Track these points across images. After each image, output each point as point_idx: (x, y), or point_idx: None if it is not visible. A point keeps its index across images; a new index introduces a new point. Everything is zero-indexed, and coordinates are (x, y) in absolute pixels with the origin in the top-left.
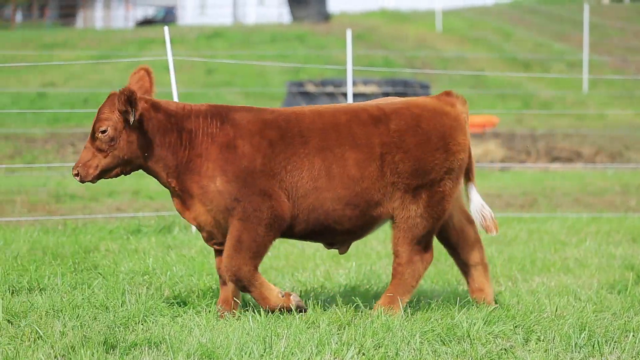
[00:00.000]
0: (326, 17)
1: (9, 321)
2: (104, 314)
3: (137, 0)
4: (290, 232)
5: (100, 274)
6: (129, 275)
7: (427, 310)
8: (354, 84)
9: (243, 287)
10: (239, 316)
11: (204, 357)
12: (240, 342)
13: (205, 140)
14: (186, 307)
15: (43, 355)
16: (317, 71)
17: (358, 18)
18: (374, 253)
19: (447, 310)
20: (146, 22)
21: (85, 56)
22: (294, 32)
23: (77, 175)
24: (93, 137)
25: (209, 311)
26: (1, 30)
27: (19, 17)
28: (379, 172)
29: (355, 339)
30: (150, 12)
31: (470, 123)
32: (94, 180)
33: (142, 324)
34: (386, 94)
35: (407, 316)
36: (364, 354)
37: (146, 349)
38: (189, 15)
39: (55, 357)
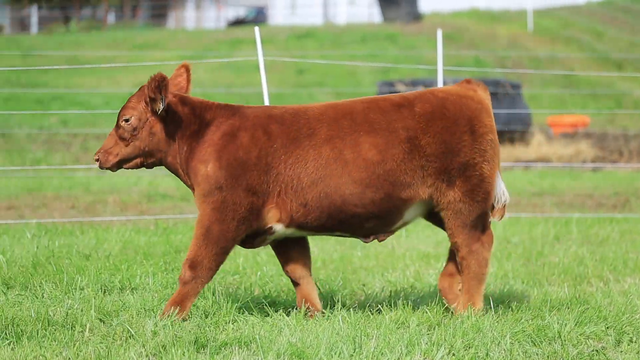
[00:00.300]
0: (417, 17)
1: (101, 320)
2: (195, 313)
3: (228, 1)
4: (304, 222)
5: None
6: (220, 275)
7: (517, 311)
8: (445, 84)
9: (186, 279)
10: (329, 316)
11: (293, 356)
12: (330, 342)
13: (213, 129)
14: (276, 306)
15: (134, 354)
16: (408, 71)
17: (449, 18)
18: None
19: (537, 310)
20: (237, 23)
21: (176, 56)
22: (385, 32)
23: (97, 160)
24: (117, 125)
25: (299, 311)
26: (94, 31)
27: (111, 18)
28: (406, 155)
29: (445, 340)
30: (241, 12)
31: (562, 123)
32: (113, 168)
33: (232, 324)
34: None
35: (498, 317)
36: (454, 355)
37: (236, 348)
38: (279, 15)
39: (146, 356)
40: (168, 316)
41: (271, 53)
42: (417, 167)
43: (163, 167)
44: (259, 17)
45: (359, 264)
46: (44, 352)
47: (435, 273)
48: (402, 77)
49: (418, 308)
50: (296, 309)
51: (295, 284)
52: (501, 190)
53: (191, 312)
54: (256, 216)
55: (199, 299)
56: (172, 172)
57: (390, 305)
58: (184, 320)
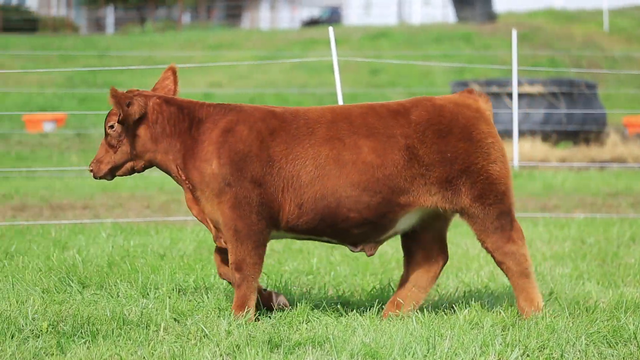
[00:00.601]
0: (492, 17)
1: (175, 319)
2: (269, 313)
3: (302, 1)
4: (295, 224)
5: (265, 274)
6: (294, 275)
7: (592, 312)
8: (519, 84)
9: (237, 282)
10: (402, 316)
11: (367, 357)
12: (403, 343)
13: (210, 127)
14: (349, 306)
15: (209, 353)
16: (482, 71)
17: (524, 18)
18: (539, 254)
19: (613, 312)
20: (311, 23)
21: (250, 57)
22: (459, 32)
23: (91, 171)
24: (105, 134)
25: (373, 311)
26: (169, 32)
27: (186, 18)
28: (406, 162)
29: (519, 340)
30: (315, 12)
31: (638, 123)
32: (107, 176)
33: (306, 324)
34: (552, 94)
35: (572, 317)
36: (528, 356)
37: (310, 348)
38: (353, 15)
39: (220, 355)
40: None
41: (345, 53)
42: (417, 174)
43: None
44: (333, 17)
45: None
46: (119, 351)
47: None
48: (476, 77)
49: (492, 309)
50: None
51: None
52: None
53: (264, 312)
54: (269, 210)
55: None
56: (163, 170)
57: (464, 305)
58: (257, 320)
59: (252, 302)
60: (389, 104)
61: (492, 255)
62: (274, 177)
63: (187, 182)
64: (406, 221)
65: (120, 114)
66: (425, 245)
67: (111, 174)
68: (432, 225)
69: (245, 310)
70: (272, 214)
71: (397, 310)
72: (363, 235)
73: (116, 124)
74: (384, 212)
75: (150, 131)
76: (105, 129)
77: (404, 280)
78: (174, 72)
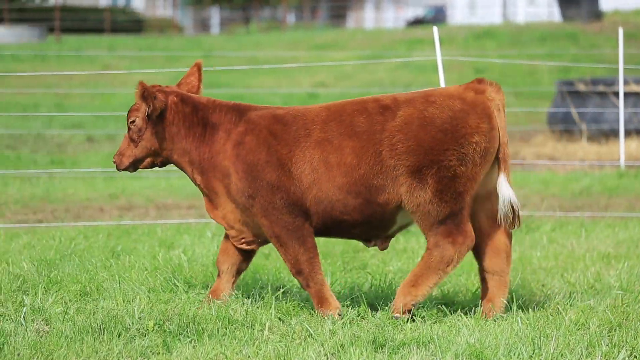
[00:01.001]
0: (598, 15)
1: (280, 319)
2: (373, 313)
3: (407, 1)
4: (312, 227)
5: (369, 273)
6: (398, 275)
7: None
8: (626, 82)
9: (304, 283)
10: (507, 316)
11: (472, 357)
12: (508, 343)
13: (224, 137)
14: (454, 306)
15: (313, 353)
16: (588, 70)
17: (631, 16)
18: None
19: None
20: (416, 22)
21: (355, 56)
22: (565, 31)
23: (115, 163)
24: (128, 128)
25: (477, 311)
26: (273, 32)
27: (290, 18)
28: (377, 156)
29: (626, 342)
30: (420, 12)
31: None
32: (129, 169)
33: (410, 324)
34: None
35: None
36: (635, 357)
37: (414, 348)
38: (458, 15)
39: (325, 355)
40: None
41: (450, 53)
42: (389, 168)
43: None
44: (437, 16)
45: (538, 265)
46: (225, 350)
47: (616, 274)
48: (582, 76)
49: (598, 309)
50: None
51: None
52: (508, 197)
53: (367, 311)
54: (295, 205)
55: (376, 298)
56: (180, 169)
57: (570, 306)
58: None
59: (330, 298)
60: (384, 99)
61: (427, 243)
62: (286, 178)
63: (205, 188)
64: (407, 214)
65: (150, 107)
66: (483, 229)
67: (133, 167)
68: (480, 208)
69: (329, 306)
70: (302, 209)
71: (491, 304)
72: (366, 233)
73: (137, 119)
74: (370, 213)
75: (168, 130)
76: (127, 123)
77: (481, 272)
78: (199, 68)
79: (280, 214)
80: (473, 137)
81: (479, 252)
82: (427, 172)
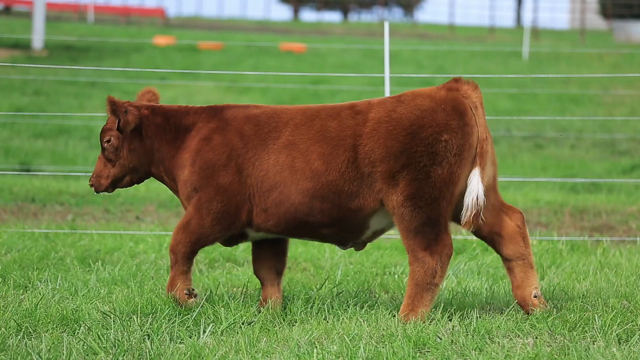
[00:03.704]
0: None
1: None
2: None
3: None
4: (266, 227)
5: None
6: None
7: None
8: None
9: (171, 263)
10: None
11: None
12: None
13: (194, 135)
14: None
15: None
16: None
17: None
18: None
19: None
20: None
21: None
22: None
23: (92, 186)
24: (102, 148)
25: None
26: None
27: None
28: (350, 164)
29: None
30: None
31: None
32: (109, 189)
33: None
34: None
35: None
36: None
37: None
38: None
39: None
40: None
41: None
42: (364, 175)
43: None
44: None
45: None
46: None
47: None
48: None
49: None
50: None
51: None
52: (474, 193)
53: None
54: (232, 218)
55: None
56: (159, 181)
57: None
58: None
59: (183, 286)
60: (359, 104)
61: (408, 255)
62: (242, 184)
63: (174, 189)
64: (380, 221)
65: (119, 122)
66: (491, 220)
67: (112, 187)
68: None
69: (175, 290)
70: (238, 220)
71: (521, 292)
72: (337, 235)
73: (112, 138)
74: (339, 217)
75: (144, 144)
76: (101, 143)
77: (505, 263)
78: (154, 93)
79: (207, 214)
80: (442, 135)
81: (494, 244)
82: (399, 176)
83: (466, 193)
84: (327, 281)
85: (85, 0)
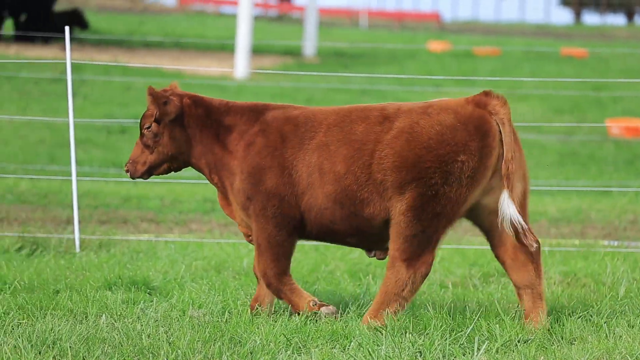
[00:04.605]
0: None
1: None
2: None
3: None
4: (307, 233)
5: None
6: None
7: None
8: None
9: (275, 294)
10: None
11: None
12: None
13: (237, 138)
14: None
15: None
16: None
17: None
18: None
19: None
20: None
21: None
22: None
23: (127, 171)
24: (141, 134)
25: None
26: None
27: None
28: (365, 169)
29: None
30: None
31: None
32: (144, 176)
33: None
34: None
35: None
36: None
37: None
38: None
39: None
40: None
41: None
42: (376, 182)
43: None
44: None
45: None
46: None
47: None
48: None
49: None
50: None
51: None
52: (508, 216)
53: None
54: (291, 220)
55: None
56: (198, 171)
57: None
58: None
59: (300, 296)
60: (389, 108)
61: (387, 265)
62: (287, 185)
63: (220, 186)
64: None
65: (156, 113)
66: (506, 243)
67: (148, 173)
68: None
69: (302, 306)
70: (293, 219)
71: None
72: (362, 243)
73: (153, 124)
74: (356, 225)
75: (185, 133)
76: (140, 129)
77: (516, 289)
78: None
79: (267, 222)
80: (459, 156)
81: (506, 267)
82: (408, 187)
83: (499, 219)
84: (608, 297)
85: (359, 6)
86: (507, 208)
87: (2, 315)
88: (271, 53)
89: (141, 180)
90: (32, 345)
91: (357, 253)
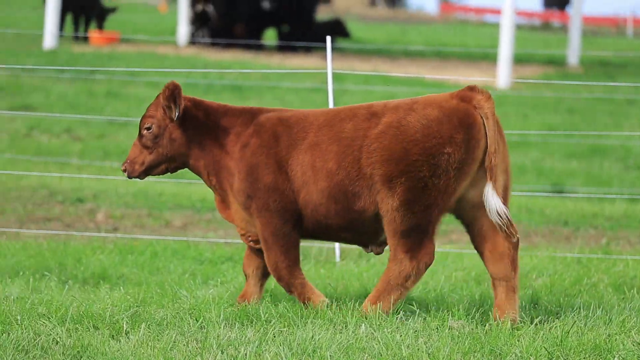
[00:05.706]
0: None
1: None
2: None
3: None
4: (304, 229)
5: None
6: None
7: None
8: None
9: (286, 288)
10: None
11: None
12: None
13: (234, 139)
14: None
15: None
16: None
17: None
18: None
19: None
20: None
21: None
22: None
23: (124, 171)
24: (140, 134)
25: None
26: None
27: None
28: (354, 163)
29: None
30: None
31: None
32: (141, 176)
33: None
34: None
35: None
36: None
37: None
38: None
39: None
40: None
41: None
42: (365, 176)
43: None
44: None
45: None
46: None
47: None
48: None
49: None
50: None
51: None
52: (494, 208)
53: None
54: (294, 213)
55: None
56: (195, 173)
57: None
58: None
59: (311, 292)
60: (376, 106)
61: (389, 259)
62: (285, 181)
63: (218, 188)
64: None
65: (177, 111)
66: (485, 235)
67: (145, 173)
68: (482, 214)
69: (314, 302)
70: (295, 212)
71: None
72: (356, 239)
73: (153, 125)
74: (349, 219)
75: (185, 135)
76: (140, 129)
77: (491, 279)
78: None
79: (272, 216)
80: (445, 148)
81: (484, 259)
82: (397, 181)
83: (486, 211)
84: None
85: (625, 13)
86: (492, 199)
87: (264, 322)
88: (533, 62)
89: (138, 179)
90: (292, 353)
91: (621, 266)
